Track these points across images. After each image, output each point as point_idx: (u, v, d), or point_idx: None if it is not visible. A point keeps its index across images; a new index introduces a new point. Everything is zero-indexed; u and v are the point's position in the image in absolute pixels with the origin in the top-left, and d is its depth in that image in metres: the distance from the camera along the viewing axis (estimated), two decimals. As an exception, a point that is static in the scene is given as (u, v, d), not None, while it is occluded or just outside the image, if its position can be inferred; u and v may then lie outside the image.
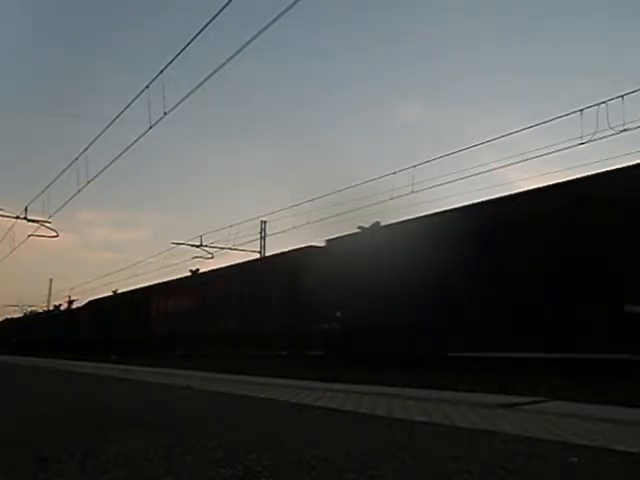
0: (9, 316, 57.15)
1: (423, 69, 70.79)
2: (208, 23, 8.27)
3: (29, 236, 21.98)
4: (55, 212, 18.89)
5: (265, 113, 79.70)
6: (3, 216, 20.18)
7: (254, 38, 8.30)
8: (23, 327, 46.42)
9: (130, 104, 11.58)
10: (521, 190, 10.47)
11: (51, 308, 48.78)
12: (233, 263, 21.58)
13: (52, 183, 17.29)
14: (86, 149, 14.32)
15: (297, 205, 21.46)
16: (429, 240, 10.96)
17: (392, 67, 71.32)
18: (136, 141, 12.88)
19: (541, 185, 10.02)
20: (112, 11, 74.20)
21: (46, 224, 19.86)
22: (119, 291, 32.10)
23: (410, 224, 11.88)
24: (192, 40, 8.90)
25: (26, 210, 19.71)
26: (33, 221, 19.90)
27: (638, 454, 2.23)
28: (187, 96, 10.45)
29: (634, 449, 2.30)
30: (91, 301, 32.78)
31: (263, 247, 27.77)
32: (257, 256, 26.34)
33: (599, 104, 12.36)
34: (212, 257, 26.83)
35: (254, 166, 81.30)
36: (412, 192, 16.94)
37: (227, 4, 7.60)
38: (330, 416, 3.54)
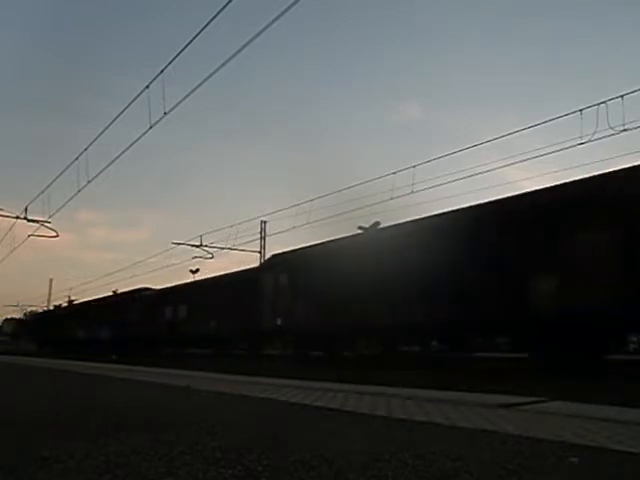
0: (9, 316, 55.60)
1: (422, 69, 70.98)
2: (208, 23, 8.28)
3: (29, 236, 21.89)
4: (55, 212, 18.89)
5: (265, 113, 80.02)
6: (3, 216, 20.19)
7: (254, 38, 8.31)
8: (75, 318, 33.23)
9: (130, 104, 11.58)
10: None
11: (51, 308, 47.94)
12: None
13: (52, 183, 17.29)
14: (86, 149, 14.33)
15: (297, 205, 21.35)
16: None
17: (392, 67, 71.57)
18: (136, 141, 12.87)
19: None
20: (112, 11, 74.36)
21: (46, 224, 19.84)
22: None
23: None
24: (192, 40, 8.91)
25: (26, 210, 19.73)
26: (33, 221, 19.91)
27: (638, 454, 2.23)
28: (187, 96, 10.46)
29: (634, 449, 2.30)
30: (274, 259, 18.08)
31: (263, 247, 27.81)
32: (257, 256, 26.35)
33: (599, 104, 12.38)
34: (212, 257, 26.67)
35: (254, 166, 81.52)
36: (412, 192, 16.91)
37: (227, 4, 7.60)
38: (330, 416, 3.54)
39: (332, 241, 15.27)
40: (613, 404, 4.15)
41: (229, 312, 18.61)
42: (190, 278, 28.62)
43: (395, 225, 13.89)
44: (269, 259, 18.17)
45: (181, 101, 10.62)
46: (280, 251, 17.88)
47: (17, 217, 20.06)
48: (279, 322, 15.75)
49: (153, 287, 27.96)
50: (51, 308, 47.96)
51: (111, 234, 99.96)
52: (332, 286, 13.95)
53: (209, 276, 22.42)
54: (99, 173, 14.96)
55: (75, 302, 40.80)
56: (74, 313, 36.36)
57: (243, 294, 17.82)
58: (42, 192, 17.89)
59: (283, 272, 16.25)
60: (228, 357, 17.92)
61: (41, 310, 50.70)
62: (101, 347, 28.80)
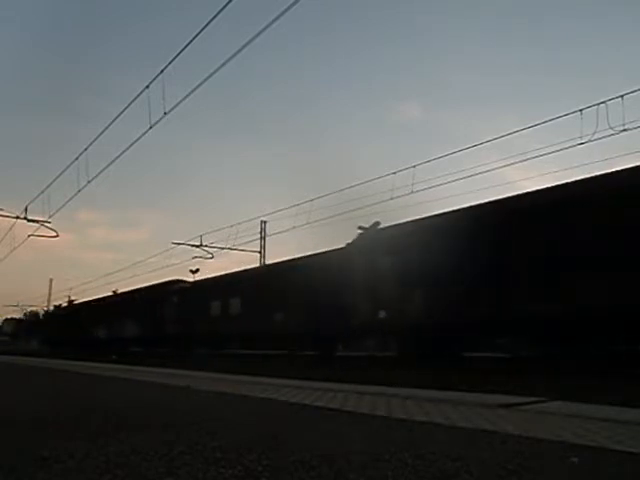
0: (9, 316, 54.79)
1: (422, 69, 71.12)
2: (208, 23, 8.29)
3: (29, 236, 21.88)
4: (55, 212, 18.92)
5: (265, 113, 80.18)
6: (3, 216, 20.23)
7: (254, 38, 8.32)
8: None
9: (130, 104, 11.60)
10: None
11: (51, 308, 47.56)
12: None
13: (52, 183, 17.31)
14: (86, 149, 14.35)
15: (297, 205, 21.21)
16: None
17: (392, 67, 71.74)
18: (136, 141, 12.87)
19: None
20: (112, 11, 74.46)
21: (46, 224, 19.87)
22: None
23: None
24: (192, 40, 8.92)
25: (26, 210, 19.77)
26: (33, 221, 19.96)
27: (638, 454, 2.23)
28: (187, 96, 10.47)
29: (634, 449, 2.30)
30: None
31: (263, 247, 27.83)
32: (257, 256, 26.32)
33: (599, 104, 12.37)
34: (212, 257, 26.62)
35: (254, 166, 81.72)
36: (412, 192, 16.86)
37: (227, 4, 7.61)
38: (330, 416, 3.53)
39: (471, 208, 11.49)
40: (613, 404, 4.14)
41: (302, 305, 15.10)
42: (190, 278, 27.59)
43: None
44: (361, 237, 14.12)
45: (181, 101, 10.65)
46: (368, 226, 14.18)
47: (17, 217, 20.12)
48: (382, 315, 12.40)
49: (186, 279, 25.22)
50: (50, 308, 47.57)
51: (111, 234, 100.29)
52: (469, 268, 10.63)
53: (272, 262, 18.59)
54: (99, 173, 15.00)
55: (93, 298, 35.20)
56: (93, 310, 31.66)
57: (323, 282, 14.25)
58: (42, 192, 17.94)
59: (388, 252, 12.58)
60: (296, 359, 15.02)
61: (42, 310, 50.39)
62: (126, 347, 25.99)
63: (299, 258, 16.80)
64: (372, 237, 13.72)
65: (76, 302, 39.11)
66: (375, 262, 12.88)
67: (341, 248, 14.97)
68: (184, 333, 21.12)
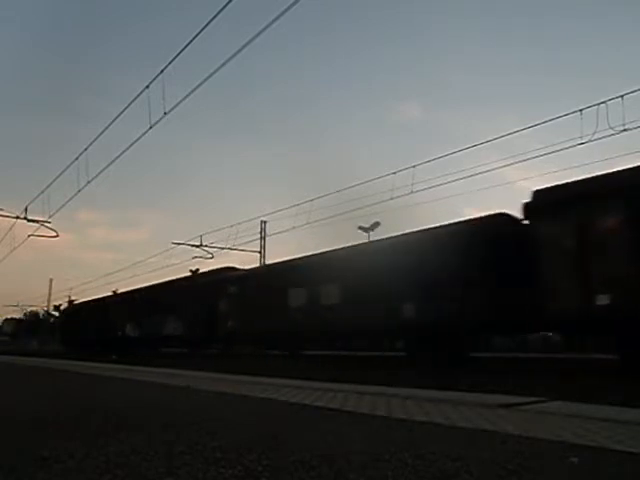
0: (9, 316, 54.53)
1: (422, 69, 71.11)
2: (208, 23, 8.29)
3: (29, 236, 21.85)
4: (55, 212, 18.93)
5: (265, 113, 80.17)
6: (3, 216, 20.24)
7: (254, 38, 8.32)
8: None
9: (130, 104, 11.60)
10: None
11: (52, 308, 47.26)
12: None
13: (52, 183, 17.31)
14: (86, 149, 14.37)
15: (297, 205, 21.08)
16: None
17: (392, 67, 71.73)
18: (136, 141, 12.87)
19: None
20: (112, 11, 74.45)
21: (46, 224, 19.86)
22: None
23: None
24: (192, 40, 8.92)
25: (26, 210, 19.79)
26: (33, 221, 19.97)
27: (638, 454, 2.23)
28: (187, 96, 10.48)
29: (634, 449, 2.30)
30: None
31: (263, 247, 27.84)
32: (257, 256, 26.28)
33: (599, 104, 12.37)
34: (212, 257, 26.49)
35: (254, 166, 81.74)
36: (412, 192, 16.77)
37: (227, 4, 7.61)
38: (330, 416, 3.53)
39: None
40: (613, 404, 4.15)
41: (440, 290, 11.51)
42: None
43: None
44: (546, 194, 10.05)
45: (181, 101, 10.66)
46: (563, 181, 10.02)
47: (17, 217, 20.13)
48: (603, 300, 9.00)
49: (239, 267, 21.28)
50: (50, 308, 47.30)
51: (111, 234, 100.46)
52: None
53: (388, 235, 14.28)
54: (99, 173, 15.02)
55: (121, 291, 31.69)
56: (122, 304, 27.44)
57: (470, 260, 10.96)
58: (42, 192, 17.95)
59: (607, 212, 9.12)
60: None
61: (42, 310, 50.19)
62: (163, 346, 22.55)
63: (439, 227, 12.66)
64: (568, 190, 9.60)
65: (100, 296, 33.98)
66: (582, 228, 9.28)
67: (497, 214, 11.41)
68: (247, 331, 17.40)
